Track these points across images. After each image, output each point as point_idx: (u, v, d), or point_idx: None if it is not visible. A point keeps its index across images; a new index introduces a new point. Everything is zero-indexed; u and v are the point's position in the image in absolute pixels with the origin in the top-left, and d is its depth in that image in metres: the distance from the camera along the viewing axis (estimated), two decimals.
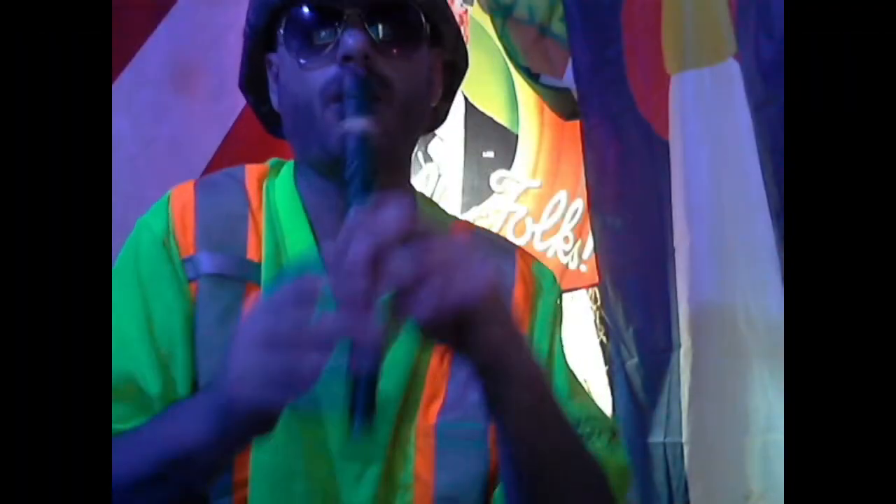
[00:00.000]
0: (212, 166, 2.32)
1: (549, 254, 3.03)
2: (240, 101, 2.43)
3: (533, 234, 3.03)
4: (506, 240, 1.21)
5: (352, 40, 0.91)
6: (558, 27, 2.45)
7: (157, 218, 0.98)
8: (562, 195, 3.05)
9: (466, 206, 3.07)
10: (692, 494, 1.90)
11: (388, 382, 0.91)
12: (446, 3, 1.03)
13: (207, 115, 2.38)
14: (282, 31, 0.96)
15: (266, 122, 1.10)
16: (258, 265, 0.95)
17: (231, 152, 2.36)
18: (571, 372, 1.05)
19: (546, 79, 2.56)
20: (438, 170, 3.03)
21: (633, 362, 2.10)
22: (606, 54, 2.19)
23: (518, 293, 1.04)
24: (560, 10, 2.39)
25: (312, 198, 1.01)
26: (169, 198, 1.01)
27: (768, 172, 1.71)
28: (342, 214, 0.87)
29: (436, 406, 0.96)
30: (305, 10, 0.95)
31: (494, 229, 2.98)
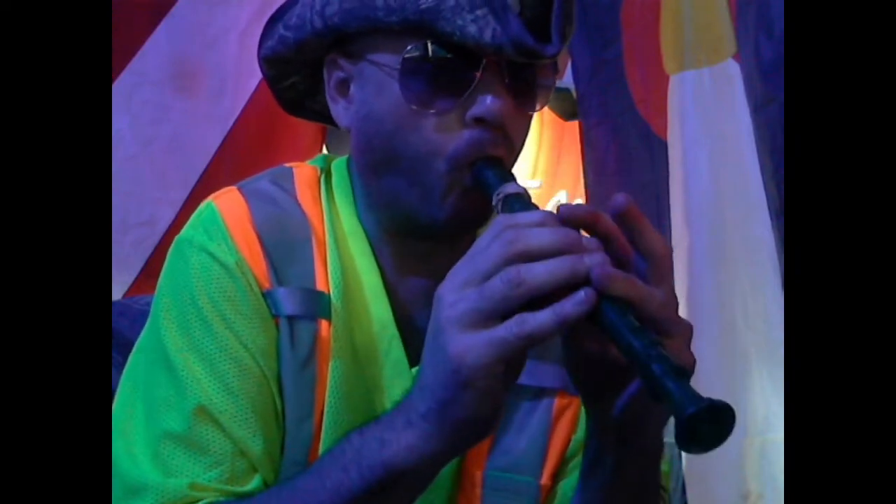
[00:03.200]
0: (212, 166, 2.32)
1: None
2: (240, 101, 2.45)
3: None
4: None
5: (490, 101, 0.78)
6: None
7: (214, 240, 0.83)
8: (562, 195, 3.05)
9: None
10: (690, 495, 1.90)
11: None
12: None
13: (207, 115, 2.38)
14: (401, 59, 0.80)
15: (283, 101, 0.96)
16: (328, 297, 0.84)
17: (231, 152, 2.36)
18: None
19: None
20: None
21: None
22: (606, 55, 2.19)
23: None
24: None
25: (374, 231, 0.89)
26: (219, 214, 0.85)
27: (768, 172, 1.71)
28: (403, 254, 0.85)
29: (484, 451, 0.87)
30: (436, 46, 0.79)
31: None
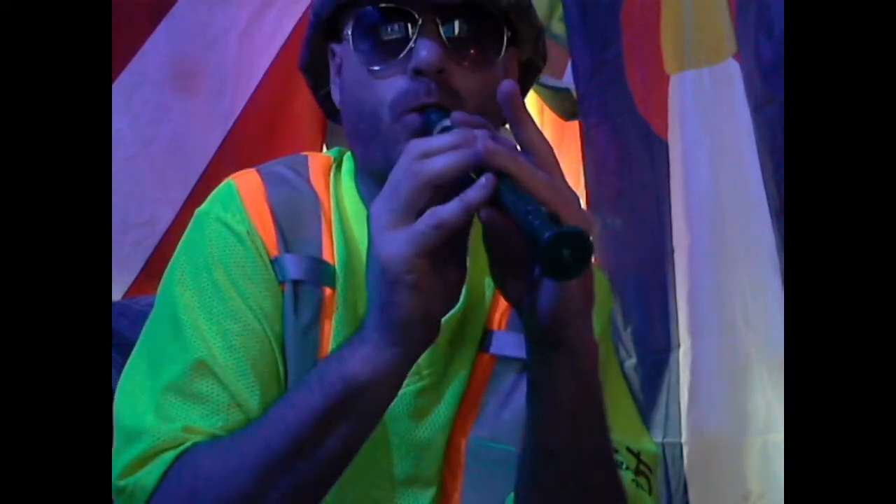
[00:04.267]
0: (212, 166, 2.32)
1: None
2: (240, 101, 2.45)
3: None
4: None
5: (425, 52, 0.84)
6: (558, 27, 2.45)
7: (229, 211, 0.90)
8: None
9: None
10: (691, 495, 1.90)
11: (447, 405, 0.90)
12: (530, 2, 0.93)
13: (207, 115, 2.38)
14: (349, 30, 0.89)
15: (324, 107, 1.03)
16: (333, 267, 0.90)
17: (231, 152, 2.35)
18: (627, 397, 0.99)
19: (546, 79, 2.56)
20: None
21: (631, 362, 2.10)
22: (606, 54, 2.19)
23: None
24: (560, 11, 2.39)
25: None
26: (236, 189, 0.92)
27: (768, 172, 1.71)
28: None
29: (470, 420, 0.91)
30: (375, 10, 0.87)
31: None
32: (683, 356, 1.93)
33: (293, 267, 0.89)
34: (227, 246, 0.88)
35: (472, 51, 0.87)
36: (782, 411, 1.69)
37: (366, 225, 0.87)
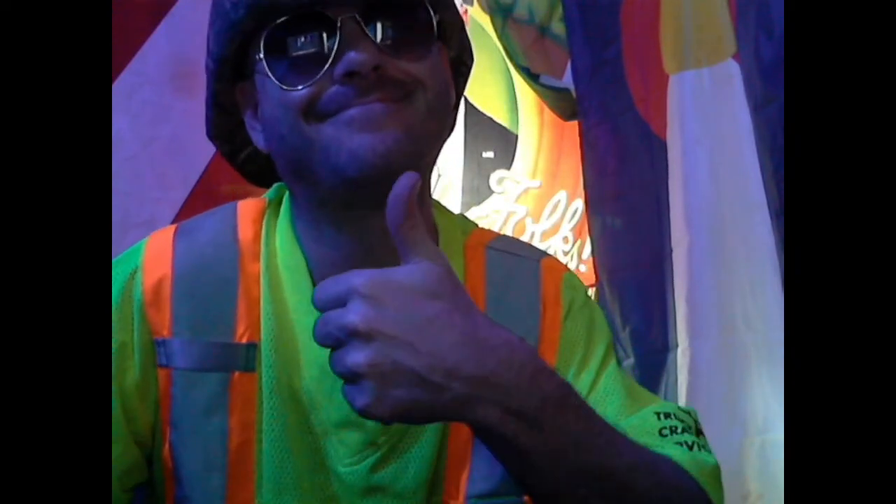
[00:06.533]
0: (212, 166, 2.32)
1: (549, 253, 3.03)
2: None
3: (533, 234, 3.04)
4: (531, 248, 1.00)
5: (354, 53, 0.75)
6: (558, 27, 2.45)
7: (125, 278, 0.84)
8: (561, 195, 3.06)
9: (466, 206, 3.07)
10: None
11: (416, 470, 0.83)
12: None
13: None
14: (260, 54, 0.79)
15: (247, 173, 0.95)
16: (247, 347, 0.82)
17: None
18: (627, 386, 0.90)
19: (546, 79, 2.56)
20: (438, 170, 3.03)
21: (629, 363, 2.10)
22: (605, 54, 2.20)
23: (546, 321, 0.90)
24: (560, 11, 2.39)
25: (320, 253, 0.85)
26: (142, 255, 0.85)
27: (768, 172, 1.71)
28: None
29: (463, 476, 0.85)
30: (287, 22, 0.77)
31: (494, 229, 2.98)
32: (682, 356, 1.93)
33: (182, 355, 0.82)
34: (115, 302, 0.83)
35: (404, 41, 0.78)
36: (781, 412, 1.70)
37: (303, 276, 0.84)
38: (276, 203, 0.89)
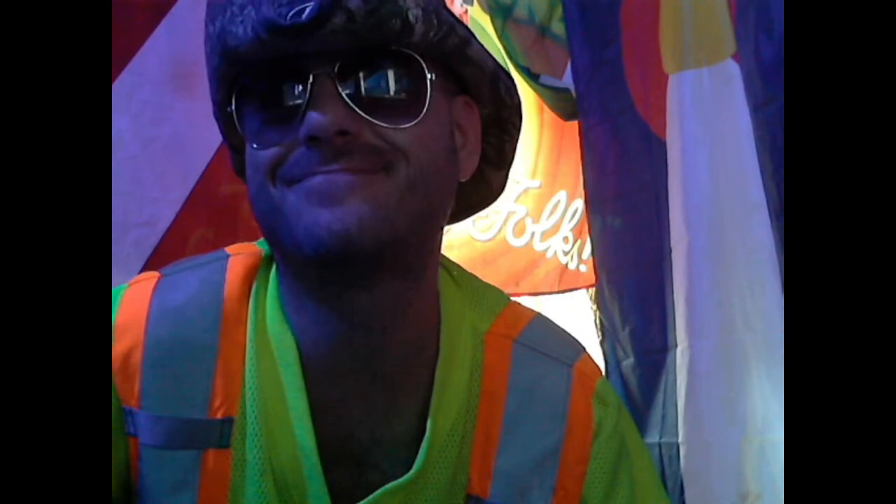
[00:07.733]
0: (212, 166, 2.32)
1: (549, 254, 3.03)
2: None
3: (533, 235, 3.03)
4: (563, 345, 0.88)
5: (317, 115, 0.67)
6: (558, 28, 2.45)
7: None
8: (561, 195, 3.05)
9: None
10: (688, 495, 1.90)
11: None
12: (467, 40, 0.75)
13: (207, 115, 2.37)
14: (231, 107, 0.73)
15: None
16: (222, 423, 0.76)
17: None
18: None
19: (546, 79, 2.56)
20: None
21: (628, 362, 2.10)
22: (605, 54, 2.20)
23: (570, 442, 0.82)
24: (560, 11, 2.39)
25: (302, 326, 0.77)
26: (116, 314, 0.78)
27: (768, 172, 1.71)
28: (336, 350, 0.73)
29: None
30: (260, 75, 0.71)
31: (494, 229, 2.98)
32: (681, 356, 1.93)
33: (149, 431, 0.76)
34: None
35: (388, 104, 0.70)
36: (780, 411, 1.69)
37: (290, 350, 0.75)
38: (270, 257, 0.81)
